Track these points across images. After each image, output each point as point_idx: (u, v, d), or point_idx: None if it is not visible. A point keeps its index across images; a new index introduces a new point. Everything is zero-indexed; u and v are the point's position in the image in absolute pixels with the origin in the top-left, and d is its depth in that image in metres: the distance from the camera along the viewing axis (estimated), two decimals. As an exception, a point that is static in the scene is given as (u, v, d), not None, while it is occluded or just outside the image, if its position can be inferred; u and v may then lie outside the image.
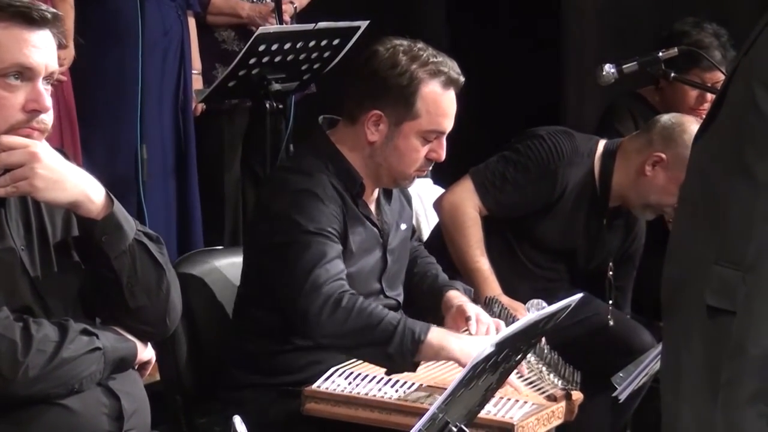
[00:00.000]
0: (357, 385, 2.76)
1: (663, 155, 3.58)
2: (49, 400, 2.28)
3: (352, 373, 2.82)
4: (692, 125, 3.53)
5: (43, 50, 2.27)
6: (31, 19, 2.25)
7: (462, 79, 2.98)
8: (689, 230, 2.07)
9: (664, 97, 4.15)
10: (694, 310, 1.99)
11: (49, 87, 2.32)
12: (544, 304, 3.11)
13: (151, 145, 3.91)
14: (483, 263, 3.54)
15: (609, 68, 3.66)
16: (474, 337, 2.84)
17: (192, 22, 4.36)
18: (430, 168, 3.11)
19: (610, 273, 3.71)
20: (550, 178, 3.59)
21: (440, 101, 2.94)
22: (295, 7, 4.65)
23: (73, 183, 2.30)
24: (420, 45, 2.97)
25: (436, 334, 2.76)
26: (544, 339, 2.94)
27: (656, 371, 3.14)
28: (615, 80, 3.74)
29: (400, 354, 2.74)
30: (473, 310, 3.01)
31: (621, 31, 4.40)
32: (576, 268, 3.76)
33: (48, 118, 2.31)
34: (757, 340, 1.85)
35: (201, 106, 4.35)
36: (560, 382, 2.89)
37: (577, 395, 2.85)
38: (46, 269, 2.36)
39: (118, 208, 2.35)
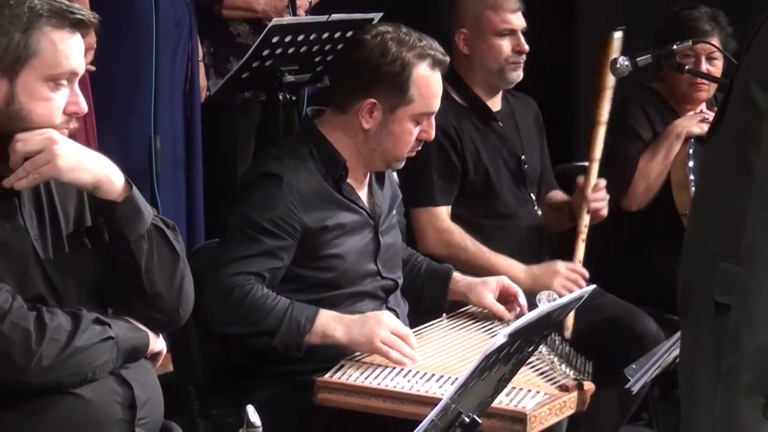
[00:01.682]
0: (369, 375, 2.77)
1: (464, 30, 3.71)
2: (62, 389, 2.29)
3: (364, 363, 2.83)
4: None
5: (81, 53, 2.35)
6: (85, 26, 2.33)
7: (447, 59, 3.05)
8: (700, 229, 2.11)
9: (667, 83, 4.13)
10: (704, 307, 2.03)
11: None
12: (556, 295, 3.12)
13: (163, 137, 3.91)
14: (491, 256, 3.59)
15: (623, 61, 3.66)
16: (358, 319, 2.87)
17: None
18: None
19: (525, 166, 3.77)
20: (447, 138, 3.64)
21: (430, 84, 3.00)
22: (310, 2, 4.65)
23: (94, 164, 2.34)
24: (404, 29, 3.02)
25: (322, 322, 2.84)
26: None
27: (668, 363, 3.15)
28: (629, 73, 3.73)
29: (285, 345, 2.84)
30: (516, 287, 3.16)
31: (635, 21, 4.38)
32: (524, 187, 3.79)
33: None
34: (751, 332, 1.88)
35: (205, 94, 4.35)
36: (572, 372, 2.90)
37: (589, 385, 2.86)
38: (59, 259, 2.38)
39: (137, 192, 2.39)
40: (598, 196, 3.65)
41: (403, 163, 3.10)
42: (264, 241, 2.87)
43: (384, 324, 2.84)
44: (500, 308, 3.13)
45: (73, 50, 2.31)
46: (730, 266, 1.97)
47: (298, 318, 2.83)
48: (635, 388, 3.22)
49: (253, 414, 2.13)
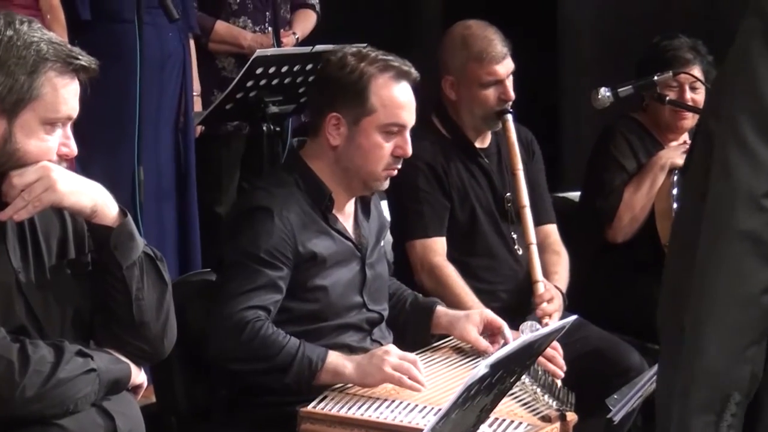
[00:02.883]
0: (353, 406, 2.77)
1: (450, 78, 3.68)
2: (44, 420, 2.30)
3: (347, 394, 2.83)
4: (453, 30, 3.70)
5: (77, 98, 2.40)
6: (86, 72, 2.39)
7: (414, 72, 3.03)
8: (677, 259, 2.16)
9: (650, 113, 4.16)
10: (678, 332, 2.06)
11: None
12: (538, 326, 3.13)
13: (146, 168, 3.92)
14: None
15: (604, 92, 3.69)
16: (365, 356, 2.87)
17: (192, 44, 4.40)
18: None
19: (509, 204, 3.71)
20: (433, 173, 3.63)
21: (393, 94, 2.99)
22: (297, 38, 4.70)
23: (91, 189, 2.39)
24: (369, 48, 3.04)
25: (332, 360, 2.84)
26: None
27: (650, 393, 3.16)
28: (610, 104, 3.75)
29: (297, 383, 2.84)
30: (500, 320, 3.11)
31: (618, 52, 4.43)
32: (507, 226, 3.73)
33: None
34: (700, 355, 1.96)
35: (200, 128, 4.38)
36: (555, 403, 2.90)
37: (572, 416, 2.87)
38: (42, 291, 2.40)
39: (130, 218, 2.42)
40: (548, 309, 3.53)
41: (385, 183, 3.07)
42: (265, 273, 2.88)
43: (392, 353, 2.85)
44: (483, 343, 3.11)
45: (71, 95, 2.37)
46: None
47: (309, 356, 2.83)
48: (617, 418, 3.24)
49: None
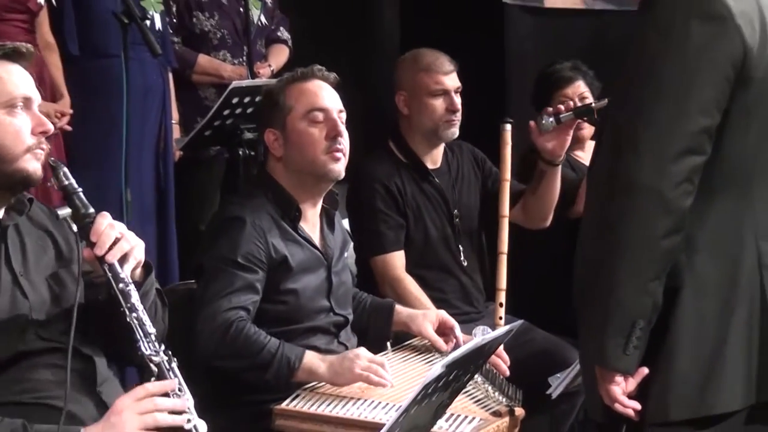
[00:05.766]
0: (323, 403, 2.81)
1: (403, 92, 3.76)
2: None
3: (317, 392, 2.88)
4: (405, 55, 3.81)
5: (27, 81, 2.42)
6: (20, 55, 2.42)
7: (326, 71, 3.11)
8: (592, 245, 2.41)
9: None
10: (597, 306, 2.38)
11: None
12: (489, 329, 3.21)
13: (133, 189, 3.97)
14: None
15: (548, 118, 3.77)
16: (338, 357, 2.92)
17: (170, 77, 4.47)
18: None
19: (457, 220, 3.78)
20: (389, 194, 3.70)
21: (304, 87, 3.08)
22: (273, 70, 4.76)
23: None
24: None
25: (308, 360, 2.88)
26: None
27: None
28: (553, 128, 3.85)
29: (276, 380, 2.87)
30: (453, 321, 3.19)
31: (559, 51, 4.57)
32: (456, 241, 3.81)
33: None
34: (614, 290, 2.32)
35: (178, 153, 4.43)
36: (504, 399, 2.94)
37: (520, 411, 2.91)
38: (41, 295, 2.42)
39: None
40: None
41: (336, 167, 3.06)
42: (242, 276, 2.92)
43: (362, 356, 2.88)
44: (438, 339, 3.18)
45: (16, 78, 2.38)
46: None
47: (288, 355, 2.87)
48: (554, 394, 3.36)
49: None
